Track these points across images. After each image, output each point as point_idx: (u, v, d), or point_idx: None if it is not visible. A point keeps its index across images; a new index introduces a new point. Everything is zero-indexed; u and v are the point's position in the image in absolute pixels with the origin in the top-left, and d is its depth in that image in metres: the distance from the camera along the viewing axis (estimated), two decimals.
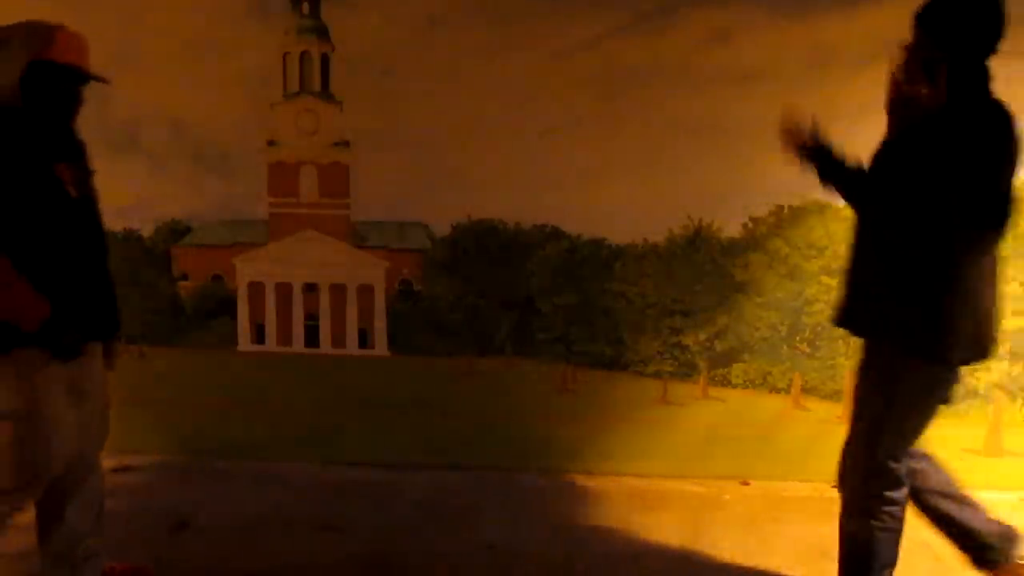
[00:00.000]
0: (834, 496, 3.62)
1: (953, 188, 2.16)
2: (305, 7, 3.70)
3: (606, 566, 2.93)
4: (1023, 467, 3.80)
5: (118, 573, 2.64)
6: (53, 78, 2.19)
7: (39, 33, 2.20)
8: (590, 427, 3.70)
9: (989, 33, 2.27)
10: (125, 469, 3.77)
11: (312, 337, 4.22)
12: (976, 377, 3.59)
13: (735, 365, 3.79)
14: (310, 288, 4.23)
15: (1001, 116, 2.23)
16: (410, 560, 2.95)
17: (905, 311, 2.24)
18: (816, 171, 2.42)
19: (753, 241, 3.67)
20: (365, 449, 3.85)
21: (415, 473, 3.79)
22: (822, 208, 3.39)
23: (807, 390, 3.53)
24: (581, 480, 3.75)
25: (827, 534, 3.18)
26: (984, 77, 2.30)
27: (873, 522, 2.37)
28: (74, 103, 2.30)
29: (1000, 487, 3.71)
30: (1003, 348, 3.76)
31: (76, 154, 2.35)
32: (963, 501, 2.62)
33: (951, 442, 3.82)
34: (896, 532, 2.40)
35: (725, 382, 3.78)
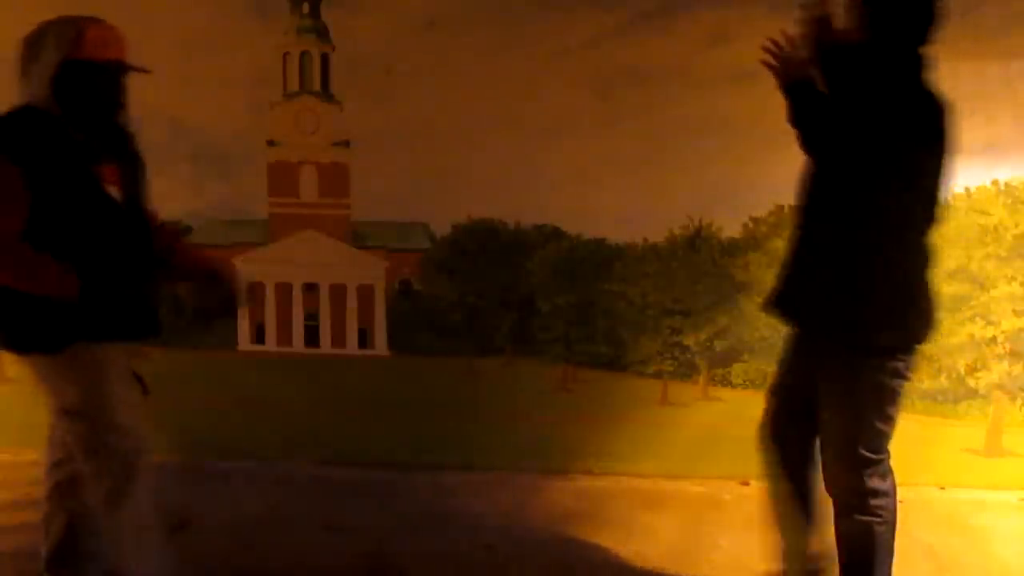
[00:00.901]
0: None
1: (871, 174, 2.17)
2: (305, 7, 3.71)
3: (606, 566, 2.92)
4: (1023, 467, 3.80)
5: None
6: (87, 77, 2.14)
7: (68, 31, 2.15)
8: (590, 427, 3.70)
9: (920, 20, 2.28)
10: None
11: (312, 337, 4.21)
12: (976, 377, 3.58)
13: (735, 365, 3.83)
14: (310, 288, 4.22)
15: (926, 104, 2.24)
16: (410, 560, 2.94)
17: (842, 303, 2.24)
18: (794, 105, 2.33)
19: (753, 241, 3.70)
20: (365, 449, 3.84)
21: (415, 473, 3.79)
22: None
23: None
24: (581, 480, 3.75)
25: (827, 534, 3.19)
26: (918, 66, 2.29)
27: (869, 518, 2.38)
28: (114, 99, 2.25)
29: (1000, 487, 3.71)
30: (1003, 348, 3.74)
31: (121, 150, 2.30)
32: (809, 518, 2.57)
33: (951, 442, 3.81)
34: (892, 524, 2.41)
35: (725, 382, 3.82)
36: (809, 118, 2.28)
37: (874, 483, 2.38)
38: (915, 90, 2.25)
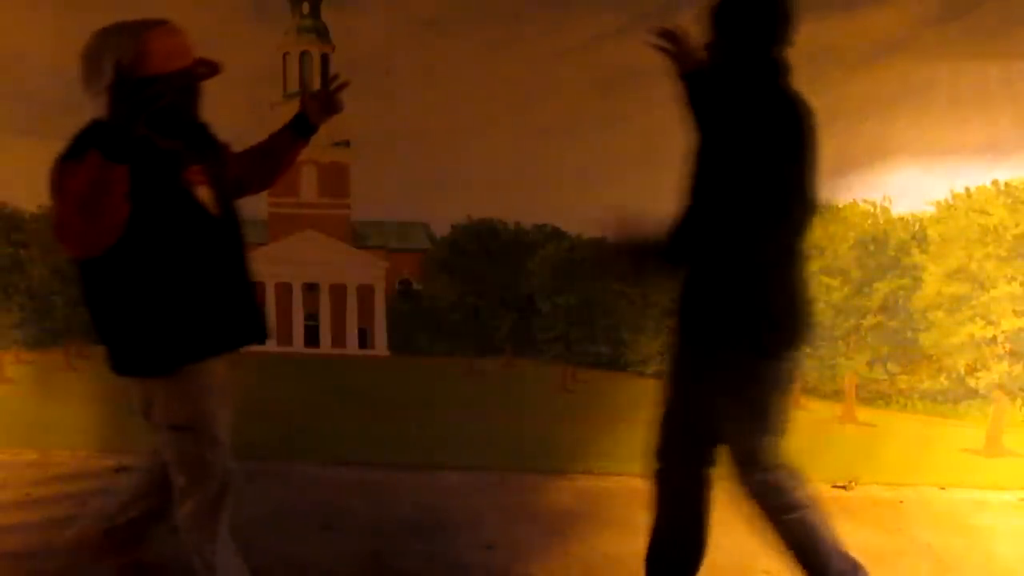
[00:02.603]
0: (834, 496, 3.64)
1: (735, 177, 2.16)
2: (305, 7, 3.70)
3: (606, 566, 2.93)
4: (1023, 467, 3.80)
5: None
6: (158, 91, 1.95)
7: (129, 45, 2.01)
8: (590, 427, 3.69)
9: (769, 23, 2.27)
10: (125, 469, 3.76)
11: (312, 337, 4.21)
12: (976, 377, 3.57)
13: None
14: (310, 288, 4.22)
15: (786, 106, 2.23)
16: (409, 560, 2.95)
17: (720, 309, 2.26)
18: (691, 90, 2.33)
19: None
20: (365, 449, 3.83)
21: (415, 473, 3.79)
22: (822, 208, 3.41)
23: (807, 390, 3.53)
24: (581, 480, 3.75)
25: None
26: (775, 71, 2.28)
27: (796, 512, 2.37)
28: (189, 104, 2.17)
29: (1000, 487, 3.71)
30: (1003, 348, 3.73)
31: (201, 144, 2.26)
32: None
33: (951, 442, 3.82)
34: (814, 504, 2.39)
35: None
36: (703, 102, 2.30)
37: (786, 479, 2.38)
38: (775, 97, 2.24)
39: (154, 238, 2.08)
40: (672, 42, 2.33)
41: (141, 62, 2.00)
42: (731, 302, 2.25)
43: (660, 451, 2.54)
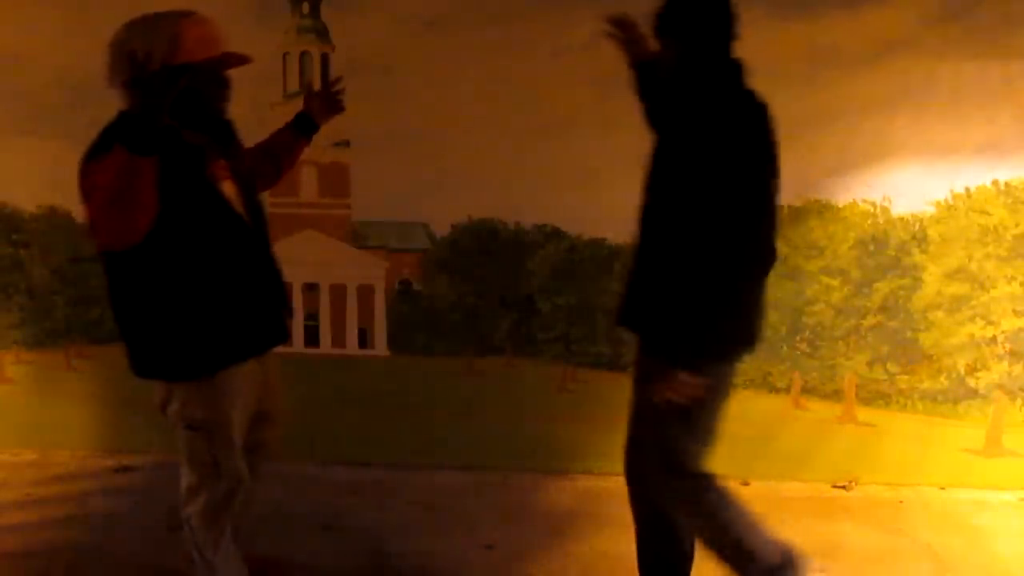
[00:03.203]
0: (834, 496, 3.64)
1: (696, 180, 2.11)
2: (305, 7, 3.69)
3: (605, 566, 2.93)
4: (1023, 467, 3.79)
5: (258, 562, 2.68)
6: (194, 80, 1.98)
7: (164, 33, 2.00)
8: (590, 427, 3.68)
9: (718, 21, 2.22)
10: (125, 469, 3.77)
11: (312, 337, 4.20)
12: (976, 377, 3.56)
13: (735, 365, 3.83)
14: (310, 288, 4.20)
15: (747, 108, 2.17)
16: (409, 560, 2.95)
17: (672, 310, 2.19)
18: (641, 79, 2.34)
19: None
20: (365, 449, 3.83)
21: (415, 473, 3.79)
22: (822, 208, 3.40)
23: (807, 390, 3.54)
24: (581, 480, 3.75)
25: (827, 534, 3.19)
26: (732, 69, 2.23)
27: (711, 516, 2.34)
28: (222, 96, 2.16)
29: (1000, 487, 3.71)
30: (1003, 348, 3.73)
31: (223, 140, 2.24)
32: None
33: (951, 442, 3.82)
34: (735, 505, 2.35)
35: None
36: (654, 92, 2.30)
37: (704, 488, 2.34)
38: (735, 98, 2.19)
39: (181, 234, 2.04)
40: (622, 29, 2.31)
41: (172, 50, 1.98)
42: (676, 305, 2.18)
43: (626, 452, 2.52)
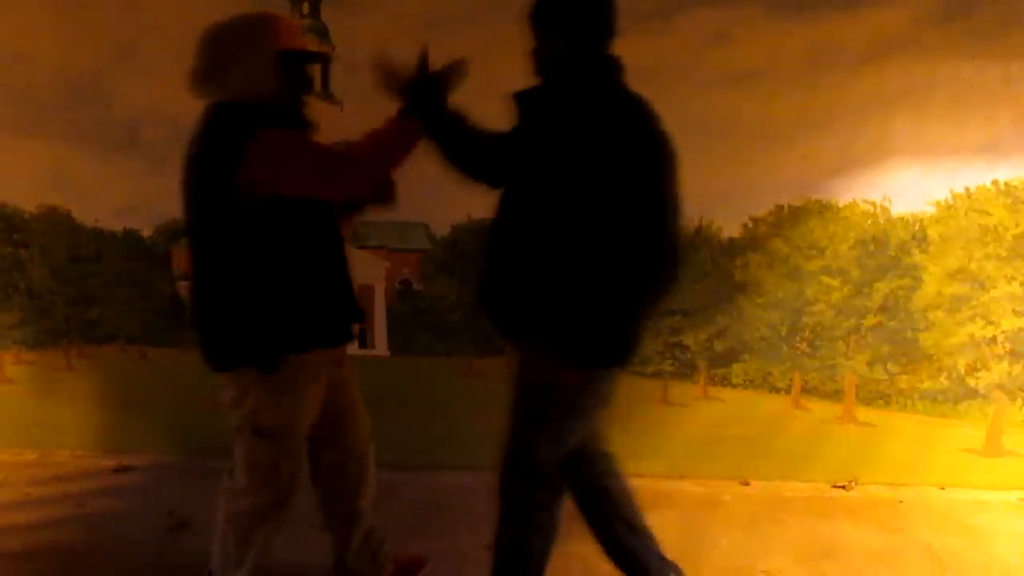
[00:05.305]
0: (834, 496, 3.64)
1: (573, 182, 2.03)
2: (305, 7, 3.68)
3: (607, 565, 2.92)
4: (1023, 467, 3.78)
5: (401, 560, 2.72)
6: (295, 65, 2.16)
7: (264, 23, 2.15)
8: None
9: (596, 17, 2.15)
10: (125, 469, 3.77)
11: None
12: (976, 377, 3.55)
13: (735, 365, 3.80)
14: None
15: (624, 105, 2.10)
16: None
17: (551, 313, 2.10)
18: (424, 118, 2.26)
19: (753, 241, 3.68)
20: None
21: (415, 473, 3.79)
22: (822, 208, 3.40)
23: (807, 390, 3.54)
24: None
25: (827, 534, 3.19)
26: (609, 66, 2.17)
27: (528, 534, 2.29)
28: (310, 83, 2.29)
29: (1000, 487, 3.71)
30: (1003, 348, 3.74)
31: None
32: (637, 530, 2.49)
33: (951, 442, 3.82)
34: (551, 538, 2.31)
35: (725, 382, 3.80)
36: (463, 157, 2.27)
37: (545, 496, 2.28)
38: (611, 96, 2.12)
39: (282, 217, 2.10)
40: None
41: (282, 36, 2.14)
42: (550, 306, 2.11)
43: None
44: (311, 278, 2.20)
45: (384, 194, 2.32)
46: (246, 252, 2.10)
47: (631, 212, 2.02)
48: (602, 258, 2.03)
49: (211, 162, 2.08)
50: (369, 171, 2.23)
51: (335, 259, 2.31)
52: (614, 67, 2.17)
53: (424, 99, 2.26)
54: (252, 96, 2.09)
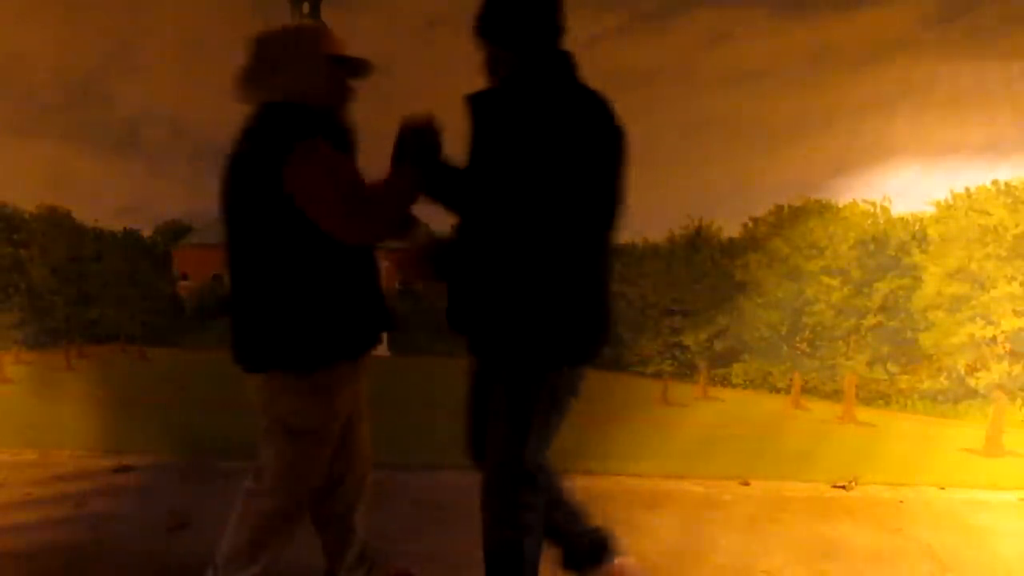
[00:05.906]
0: (834, 496, 3.64)
1: (527, 177, 2.04)
2: (305, 7, 3.67)
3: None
4: (1023, 467, 3.79)
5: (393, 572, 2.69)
6: (342, 71, 2.23)
7: (316, 31, 2.25)
8: (590, 427, 3.67)
9: (544, 16, 2.16)
10: (125, 469, 3.76)
11: None
12: (976, 377, 3.57)
13: (735, 365, 3.81)
14: None
15: (580, 102, 2.11)
16: (409, 560, 2.94)
17: (503, 317, 2.12)
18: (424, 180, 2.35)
19: (753, 241, 3.69)
20: None
21: (415, 473, 3.78)
22: (822, 208, 3.41)
23: (807, 390, 3.54)
24: (581, 480, 3.75)
25: (827, 534, 3.19)
26: (563, 63, 2.18)
27: (518, 533, 2.30)
28: (351, 93, 2.32)
29: (1000, 487, 3.71)
30: (1003, 348, 3.75)
31: (347, 140, 2.34)
32: (568, 509, 2.52)
33: (951, 442, 3.81)
34: (540, 534, 2.33)
35: (725, 382, 3.81)
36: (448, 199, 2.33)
37: (532, 496, 2.30)
38: (566, 93, 2.13)
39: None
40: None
41: (331, 43, 2.22)
42: (510, 308, 2.12)
43: (467, 441, 2.50)
44: (349, 284, 2.22)
45: (400, 232, 2.36)
46: (288, 254, 2.12)
47: (581, 204, 2.05)
48: (552, 252, 2.06)
49: (260, 158, 2.08)
50: (390, 216, 2.30)
51: (370, 266, 2.34)
52: (567, 64, 2.18)
53: (424, 159, 2.36)
54: (301, 97, 2.14)
